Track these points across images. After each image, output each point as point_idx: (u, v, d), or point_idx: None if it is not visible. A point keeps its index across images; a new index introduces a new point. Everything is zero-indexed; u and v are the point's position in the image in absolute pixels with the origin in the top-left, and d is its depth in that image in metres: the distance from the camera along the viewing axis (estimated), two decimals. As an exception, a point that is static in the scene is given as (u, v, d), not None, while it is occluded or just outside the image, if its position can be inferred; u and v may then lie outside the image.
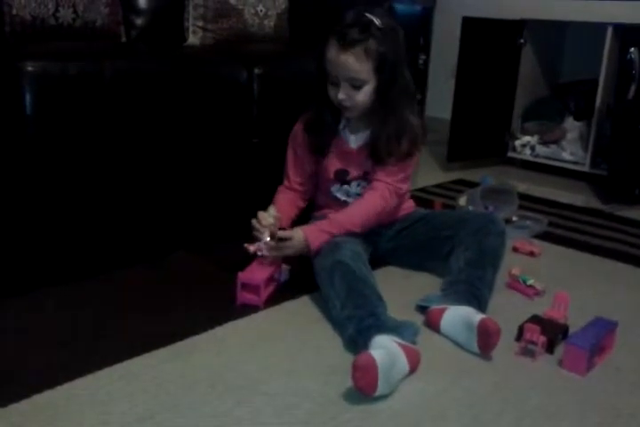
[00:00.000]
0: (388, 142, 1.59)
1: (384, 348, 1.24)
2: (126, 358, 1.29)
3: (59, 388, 1.18)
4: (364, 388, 1.17)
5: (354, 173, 1.68)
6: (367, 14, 1.52)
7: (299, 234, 1.54)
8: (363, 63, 1.51)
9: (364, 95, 1.55)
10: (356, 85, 1.54)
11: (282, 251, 1.55)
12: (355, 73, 1.52)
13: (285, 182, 1.75)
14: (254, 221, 1.58)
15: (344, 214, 1.60)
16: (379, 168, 1.63)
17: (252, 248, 1.55)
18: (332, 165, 1.69)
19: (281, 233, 1.54)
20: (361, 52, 1.50)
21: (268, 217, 1.59)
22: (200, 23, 2.22)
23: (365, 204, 1.63)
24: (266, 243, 1.54)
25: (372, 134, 1.63)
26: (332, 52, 1.53)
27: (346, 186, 1.71)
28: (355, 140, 1.67)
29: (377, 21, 1.51)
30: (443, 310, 1.44)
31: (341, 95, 1.55)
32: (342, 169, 1.69)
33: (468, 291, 1.49)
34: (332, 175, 1.70)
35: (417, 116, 1.66)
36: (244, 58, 1.94)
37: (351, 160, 1.68)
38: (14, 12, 1.80)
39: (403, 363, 1.24)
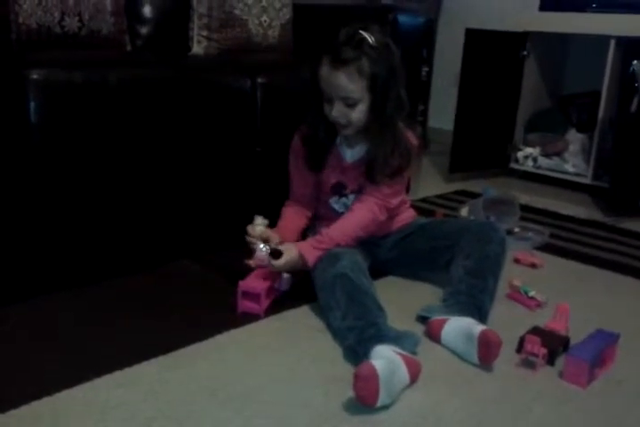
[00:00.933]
0: (385, 163, 1.59)
1: (385, 358, 1.23)
2: (126, 366, 1.28)
3: (58, 395, 1.18)
4: (365, 398, 1.16)
5: (351, 186, 1.69)
6: (361, 32, 1.50)
7: (293, 250, 1.54)
8: (355, 82, 1.50)
9: (358, 113, 1.55)
10: (350, 104, 1.53)
11: (276, 267, 1.54)
12: (347, 92, 1.52)
13: (291, 196, 1.76)
14: (247, 237, 1.59)
15: (335, 230, 1.60)
16: (371, 184, 1.63)
17: (252, 263, 1.56)
18: (330, 178, 1.69)
19: (274, 247, 1.54)
20: (353, 71, 1.49)
21: (256, 226, 1.59)
22: (204, 33, 2.24)
23: (354, 218, 1.62)
24: (262, 250, 1.54)
25: (368, 154, 1.62)
26: (325, 71, 1.53)
27: (344, 198, 1.71)
28: (351, 155, 1.67)
29: (370, 39, 1.50)
30: (444, 321, 1.44)
31: (335, 113, 1.55)
32: (339, 182, 1.69)
33: (470, 302, 1.49)
34: (329, 189, 1.71)
35: (412, 131, 1.66)
36: (248, 67, 1.95)
37: (348, 174, 1.68)
38: (20, 20, 1.82)
39: (403, 373, 1.23)
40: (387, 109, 1.55)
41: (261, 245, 1.55)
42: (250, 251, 1.58)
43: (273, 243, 1.57)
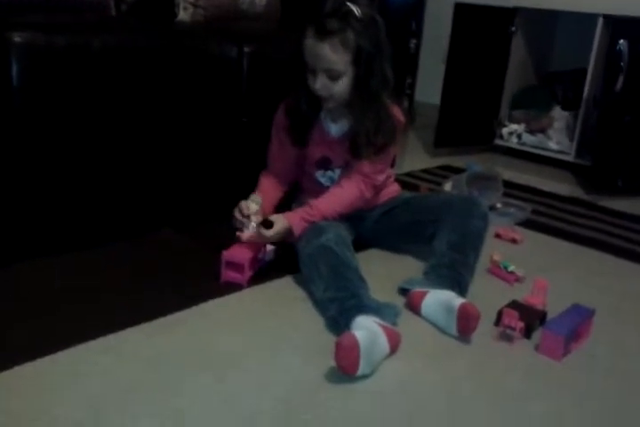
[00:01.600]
0: (368, 138, 1.58)
1: (366, 328, 1.25)
2: (109, 333, 1.29)
3: (41, 360, 1.19)
4: (346, 367, 1.18)
5: (336, 161, 1.68)
6: (348, 4, 1.48)
7: (282, 221, 1.55)
8: (339, 54, 1.48)
9: (340, 86, 1.53)
10: (333, 76, 1.51)
11: (265, 238, 1.55)
12: (331, 64, 1.50)
13: (268, 168, 1.74)
14: (236, 212, 1.58)
15: (324, 203, 1.60)
16: (356, 160, 1.63)
17: (244, 237, 1.56)
18: (315, 152, 1.69)
19: (265, 217, 1.55)
20: (337, 43, 1.47)
21: (251, 204, 1.59)
22: (191, -1, 2.20)
23: (342, 194, 1.63)
24: (254, 227, 1.55)
25: (351, 129, 1.62)
26: (310, 42, 1.50)
27: (330, 172, 1.71)
28: (335, 130, 1.67)
29: (357, 11, 1.48)
30: (424, 293, 1.46)
31: (318, 85, 1.53)
32: (325, 157, 1.69)
33: (451, 275, 1.51)
34: (314, 163, 1.70)
35: (398, 107, 1.66)
36: (235, 35, 1.92)
37: (333, 149, 1.67)
38: (2, -19, 1.78)
39: (384, 343, 1.26)
40: (370, 84, 1.53)
41: (253, 222, 1.55)
42: (234, 224, 1.58)
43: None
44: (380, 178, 1.68)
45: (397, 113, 1.64)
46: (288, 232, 1.55)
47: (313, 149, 1.69)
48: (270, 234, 1.53)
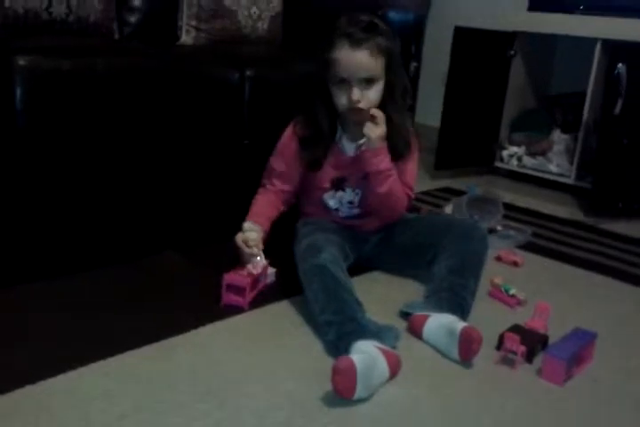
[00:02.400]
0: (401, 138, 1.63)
1: (365, 353, 1.25)
2: (109, 356, 1.28)
3: (41, 383, 1.18)
4: (342, 391, 1.18)
5: (351, 180, 1.68)
6: (364, 17, 1.56)
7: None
8: (376, 59, 1.53)
9: (375, 93, 1.56)
10: (370, 83, 1.54)
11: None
12: (369, 70, 1.53)
13: (269, 186, 1.71)
14: (242, 246, 1.56)
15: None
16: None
17: (255, 272, 1.56)
18: (328, 174, 1.68)
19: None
20: (374, 48, 1.53)
21: (249, 233, 1.57)
22: (193, 22, 2.22)
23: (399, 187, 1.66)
24: (263, 261, 1.58)
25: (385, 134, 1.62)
26: (343, 53, 1.53)
27: (340, 192, 1.70)
28: (351, 148, 1.67)
29: (378, 22, 1.56)
30: (426, 317, 1.45)
31: (356, 95, 1.53)
32: (339, 177, 1.68)
33: (452, 299, 1.50)
34: (328, 184, 1.69)
35: (409, 121, 1.69)
36: (237, 59, 1.94)
37: (349, 168, 1.67)
38: (7, 4, 1.80)
39: (383, 368, 1.25)
40: (396, 91, 1.59)
41: (259, 258, 1.56)
42: (242, 259, 1.58)
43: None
44: (411, 193, 1.72)
45: (414, 140, 1.70)
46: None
47: (325, 172, 1.68)
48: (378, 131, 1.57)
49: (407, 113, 1.67)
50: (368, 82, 1.54)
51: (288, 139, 1.69)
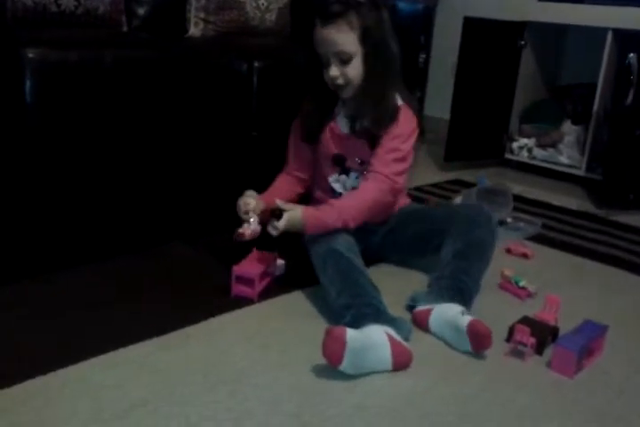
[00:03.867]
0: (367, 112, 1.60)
1: (368, 337, 1.25)
2: (120, 347, 1.29)
3: (52, 374, 1.19)
4: (329, 357, 1.21)
5: (351, 159, 1.68)
6: None
7: (297, 211, 1.50)
8: (346, 34, 1.53)
9: (353, 69, 1.57)
10: (345, 59, 1.55)
11: (276, 228, 1.49)
12: (340, 46, 1.54)
13: (286, 168, 1.78)
14: (238, 209, 1.57)
15: (342, 201, 1.59)
16: (375, 157, 1.61)
17: (247, 233, 1.52)
18: (329, 149, 1.69)
19: (282, 205, 1.50)
20: (343, 24, 1.53)
21: (248, 199, 1.58)
22: (202, 15, 2.22)
23: (362, 193, 1.59)
24: (257, 223, 1.54)
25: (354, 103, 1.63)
26: (316, 31, 1.56)
27: (344, 176, 1.71)
28: (347, 127, 1.67)
29: None
30: (429, 311, 1.44)
31: (333, 72, 1.56)
32: (339, 154, 1.69)
33: (452, 285, 1.49)
34: (330, 160, 1.70)
35: (411, 111, 1.65)
36: (245, 51, 1.94)
37: (346, 146, 1.68)
38: (16, -3, 1.80)
39: (384, 356, 1.26)
40: (377, 65, 1.57)
41: (253, 219, 1.54)
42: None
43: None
44: (400, 181, 1.63)
45: (407, 116, 1.63)
46: (299, 224, 1.50)
47: (326, 147, 1.70)
48: (281, 224, 1.48)
49: (398, 88, 1.63)
50: (345, 58, 1.55)
51: (296, 119, 1.74)
